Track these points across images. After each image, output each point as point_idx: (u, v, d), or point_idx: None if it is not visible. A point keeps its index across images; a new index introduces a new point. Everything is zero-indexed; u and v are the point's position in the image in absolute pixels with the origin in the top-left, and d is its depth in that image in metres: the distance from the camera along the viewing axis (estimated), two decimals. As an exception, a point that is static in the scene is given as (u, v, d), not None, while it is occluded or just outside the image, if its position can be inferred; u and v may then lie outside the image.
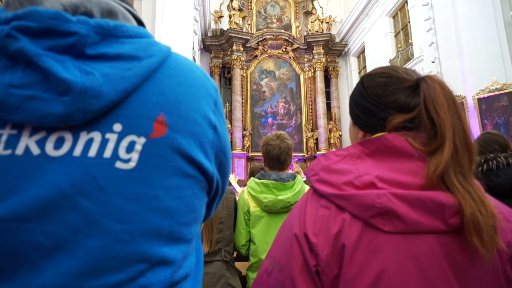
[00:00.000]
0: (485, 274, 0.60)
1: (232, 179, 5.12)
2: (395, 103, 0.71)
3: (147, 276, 0.49)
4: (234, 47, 11.75)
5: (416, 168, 0.64)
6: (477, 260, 0.60)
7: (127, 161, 0.48)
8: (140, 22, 0.60)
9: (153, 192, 0.50)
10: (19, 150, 0.46)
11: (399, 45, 9.80)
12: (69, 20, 0.47)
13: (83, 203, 0.46)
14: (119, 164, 0.48)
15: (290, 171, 2.20)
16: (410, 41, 9.01)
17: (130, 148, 0.49)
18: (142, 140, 0.50)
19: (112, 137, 0.48)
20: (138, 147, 0.49)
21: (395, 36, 10.08)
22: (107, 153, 0.48)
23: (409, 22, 9.18)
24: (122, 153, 0.48)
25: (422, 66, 8.12)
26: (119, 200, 0.48)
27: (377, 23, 10.59)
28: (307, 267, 0.64)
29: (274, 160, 1.96)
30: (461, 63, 6.90)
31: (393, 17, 10.17)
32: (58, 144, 0.47)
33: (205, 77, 0.61)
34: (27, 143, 0.46)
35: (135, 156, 0.49)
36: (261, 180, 1.93)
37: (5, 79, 0.45)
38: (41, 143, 0.46)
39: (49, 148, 0.46)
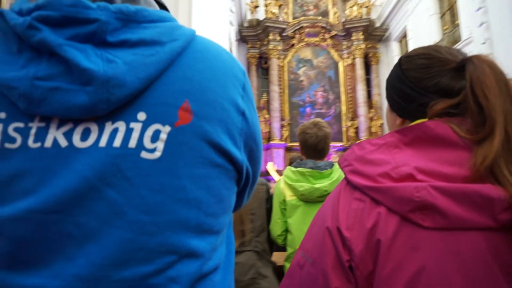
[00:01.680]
0: None
1: (271, 167, 5.10)
2: (437, 87, 0.65)
3: (176, 268, 0.49)
4: (271, 37, 11.63)
5: (461, 158, 0.58)
6: None
7: (152, 150, 0.48)
8: (162, 6, 0.59)
9: (179, 182, 0.49)
10: (48, 143, 0.46)
11: (445, 27, 9.21)
12: (89, 6, 0.46)
13: (110, 194, 0.46)
14: (144, 154, 0.47)
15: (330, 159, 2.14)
16: (456, 22, 8.43)
17: (155, 137, 0.48)
18: (167, 128, 0.48)
19: (136, 127, 0.48)
20: (163, 136, 0.48)
21: (441, 17, 9.47)
22: (132, 143, 0.47)
23: (455, 1, 8.58)
24: (147, 142, 0.48)
25: (471, 49, 7.57)
26: (145, 191, 0.47)
27: (420, 4, 9.99)
28: (340, 262, 0.61)
29: (311, 149, 1.92)
30: (516, 44, 6.37)
31: (439, -3, 9.56)
32: (85, 135, 0.47)
33: (233, 61, 0.59)
34: (55, 135, 0.47)
35: (160, 145, 0.48)
36: (297, 169, 1.89)
37: (30, 72, 0.45)
38: (68, 135, 0.47)
39: (76, 139, 0.47)
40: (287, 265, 1.99)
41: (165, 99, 0.49)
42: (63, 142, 0.47)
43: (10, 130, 0.47)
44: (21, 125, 0.47)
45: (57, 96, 0.45)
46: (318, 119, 2.01)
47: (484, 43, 7.16)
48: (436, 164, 0.59)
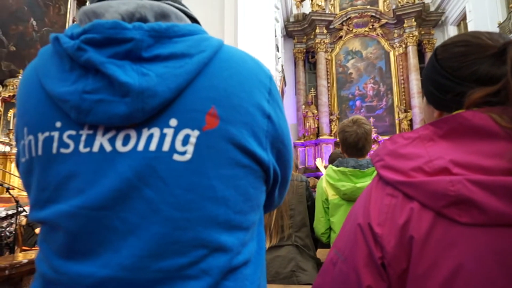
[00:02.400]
0: None
1: (319, 163, 5.11)
2: (476, 75, 0.61)
3: (207, 261, 0.53)
4: (317, 30, 11.46)
5: (502, 150, 0.54)
6: None
7: (183, 153, 0.52)
8: (193, 19, 0.63)
9: (208, 182, 0.53)
10: (95, 148, 0.53)
11: (511, 5, 8.41)
12: (126, 27, 0.52)
13: (147, 193, 0.52)
14: (176, 157, 0.52)
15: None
16: (524, -1, 7.68)
17: (185, 141, 0.53)
18: (196, 133, 0.53)
19: (169, 132, 0.53)
20: (193, 139, 0.53)
21: (505, -5, 8.68)
22: (165, 147, 0.52)
23: (522, -24, 7.81)
24: (178, 146, 0.52)
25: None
26: (177, 190, 0.52)
27: (481, -17, 9.24)
28: (372, 260, 0.60)
29: (352, 147, 1.87)
30: None
31: (502, -27, 8.76)
32: (126, 141, 0.53)
33: (258, 67, 0.62)
34: (101, 141, 0.53)
35: (190, 148, 0.53)
36: (339, 168, 1.86)
37: (79, 87, 0.52)
38: (112, 141, 0.53)
39: (119, 144, 0.53)
40: None
41: (194, 106, 0.54)
42: (108, 147, 0.53)
43: (65, 137, 0.54)
44: (73, 132, 0.54)
45: (101, 107, 0.51)
46: (358, 116, 1.95)
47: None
48: (474, 157, 0.55)
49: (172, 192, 0.52)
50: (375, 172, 1.88)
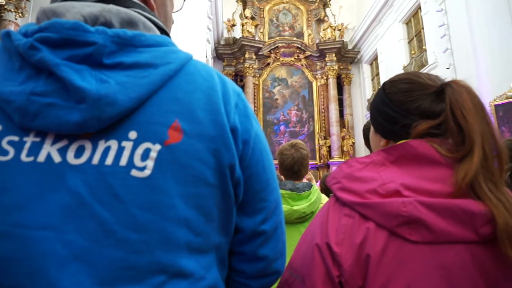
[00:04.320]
0: None
1: None
2: (419, 109, 0.69)
3: None
4: (247, 55, 11.83)
5: (444, 176, 0.61)
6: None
7: (142, 169, 0.48)
8: (163, 31, 0.60)
9: (169, 200, 0.49)
10: (41, 157, 0.47)
11: (413, 52, 9.71)
12: (88, 30, 0.48)
13: (100, 211, 0.46)
14: (134, 172, 0.48)
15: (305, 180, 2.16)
16: (424, 47, 8.92)
17: (145, 155, 0.49)
18: (157, 147, 0.49)
19: (127, 145, 0.49)
20: (153, 154, 0.49)
21: (409, 42, 9.99)
22: (123, 161, 0.48)
23: (422, 28, 9.09)
24: (137, 161, 0.48)
25: (436, 73, 7.86)
26: (134, 209, 0.47)
27: (390, 29, 10.52)
28: (330, 278, 0.62)
29: (288, 170, 1.93)
30: (477, 69, 6.78)
31: (407, 23, 10.09)
32: (79, 152, 0.47)
33: (224, 82, 0.60)
34: (49, 150, 0.47)
35: (150, 163, 0.49)
36: None
37: (27, 87, 0.46)
38: (62, 151, 0.47)
39: (70, 156, 0.47)
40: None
41: (156, 119, 0.50)
42: (57, 158, 0.47)
43: (4, 142, 0.47)
44: (15, 138, 0.47)
45: (52, 112, 0.46)
46: (297, 140, 2.04)
47: (448, 68, 7.58)
48: (420, 181, 0.62)
49: (129, 211, 0.47)
50: (311, 195, 1.94)
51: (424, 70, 8.46)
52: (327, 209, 0.69)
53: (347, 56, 12.54)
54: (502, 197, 0.58)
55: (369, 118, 0.84)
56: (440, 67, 8.00)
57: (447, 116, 0.65)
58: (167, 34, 0.62)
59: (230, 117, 0.56)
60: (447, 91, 0.66)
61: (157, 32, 0.58)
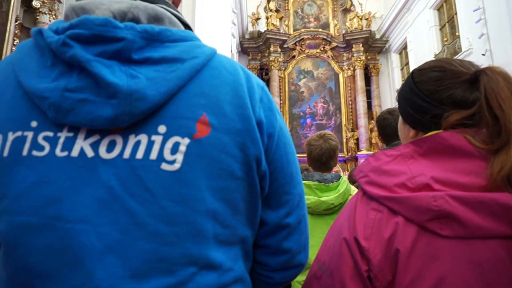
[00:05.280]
0: None
1: None
2: (451, 98, 0.66)
3: (196, 280, 0.49)
4: (272, 49, 11.75)
5: (477, 168, 0.59)
6: None
7: (172, 162, 0.49)
8: (187, 26, 0.61)
9: (199, 193, 0.50)
10: (75, 152, 0.48)
11: (445, 39, 9.31)
12: (117, 26, 0.49)
13: (132, 205, 0.47)
14: (164, 166, 0.49)
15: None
16: (457, 33, 8.52)
17: (174, 149, 0.50)
18: (186, 141, 0.50)
19: (157, 139, 0.50)
20: (182, 148, 0.50)
21: (441, 29, 9.58)
22: (153, 155, 0.49)
23: (455, 13, 8.68)
24: (167, 154, 0.49)
25: (471, 60, 7.58)
26: (165, 202, 0.48)
27: (420, 16, 10.12)
28: (358, 272, 0.61)
29: (316, 161, 1.91)
30: (516, 55, 6.42)
31: (438, 9, 9.67)
32: (110, 147, 0.49)
33: (249, 76, 0.61)
34: (82, 145, 0.49)
35: (179, 157, 0.49)
36: (304, 181, 1.89)
37: (61, 84, 0.48)
38: (95, 146, 0.49)
39: (102, 151, 0.49)
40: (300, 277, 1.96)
41: (184, 113, 0.51)
42: (90, 153, 0.48)
43: (40, 138, 0.49)
44: (50, 134, 0.49)
45: (85, 107, 0.47)
46: (326, 131, 2.00)
47: (484, 54, 7.22)
48: (452, 174, 0.60)
49: (160, 204, 0.48)
50: (339, 187, 1.91)
51: (458, 57, 8.09)
52: (354, 203, 0.68)
53: (374, 46, 12.18)
54: None
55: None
56: (475, 53, 7.62)
57: (481, 106, 0.62)
58: (191, 29, 0.63)
59: (255, 111, 0.57)
60: (482, 79, 0.63)
61: (182, 27, 0.59)
